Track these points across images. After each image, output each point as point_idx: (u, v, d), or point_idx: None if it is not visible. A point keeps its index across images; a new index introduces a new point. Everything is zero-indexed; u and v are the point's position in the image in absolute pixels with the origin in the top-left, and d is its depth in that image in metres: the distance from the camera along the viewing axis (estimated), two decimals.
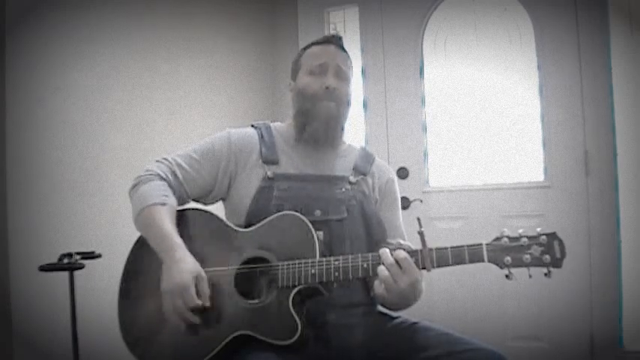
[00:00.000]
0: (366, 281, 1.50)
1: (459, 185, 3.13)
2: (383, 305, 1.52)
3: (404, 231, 1.64)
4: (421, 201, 3.13)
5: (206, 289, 1.36)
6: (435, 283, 2.85)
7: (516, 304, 2.89)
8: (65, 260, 1.85)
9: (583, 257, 2.77)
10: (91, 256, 1.93)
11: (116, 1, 2.56)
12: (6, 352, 2.09)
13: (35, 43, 2.24)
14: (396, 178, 1.70)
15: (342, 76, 1.59)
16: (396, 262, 1.30)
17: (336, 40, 1.62)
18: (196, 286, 1.34)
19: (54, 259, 1.87)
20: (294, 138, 1.59)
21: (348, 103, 1.61)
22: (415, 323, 1.48)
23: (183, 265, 1.35)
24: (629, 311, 2.78)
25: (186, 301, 1.33)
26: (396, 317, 1.51)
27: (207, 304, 1.35)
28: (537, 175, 3.00)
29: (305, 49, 1.65)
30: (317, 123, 1.54)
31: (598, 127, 2.83)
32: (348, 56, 1.64)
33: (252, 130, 1.61)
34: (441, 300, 3.00)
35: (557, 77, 2.92)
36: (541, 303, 2.84)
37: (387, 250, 1.32)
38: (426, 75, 3.22)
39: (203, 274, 1.36)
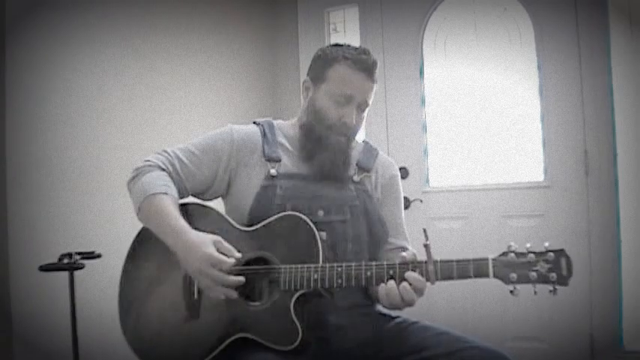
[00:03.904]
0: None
1: (459, 185, 3.13)
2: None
3: (405, 229, 1.63)
4: (421, 201, 3.13)
5: (229, 246, 1.35)
6: (436, 283, 2.84)
7: (516, 305, 2.88)
8: (65, 260, 1.85)
9: (583, 257, 2.77)
10: (91, 256, 1.93)
11: (116, 2, 2.56)
12: (6, 352, 2.09)
13: (35, 43, 2.24)
14: (399, 174, 1.66)
15: (363, 109, 1.54)
16: (401, 296, 1.30)
17: (372, 69, 1.51)
18: (218, 250, 1.34)
19: (54, 259, 1.87)
20: (300, 157, 1.55)
21: (358, 131, 1.58)
22: (415, 323, 1.48)
23: (197, 241, 1.34)
24: (629, 311, 2.78)
25: (221, 268, 1.31)
26: (396, 317, 1.51)
27: (238, 255, 1.35)
28: (537, 175, 3.00)
29: (336, 60, 1.51)
30: (325, 155, 1.50)
31: (598, 127, 2.83)
32: (376, 84, 1.54)
33: (254, 128, 1.59)
34: (441, 300, 3.00)
35: (557, 77, 2.92)
36: (541, 303, 2.83)
37: (392, 286, 1.31)
38: (426, 75, 3.22)
39: (217, 237, 1.36)
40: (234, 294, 1.34)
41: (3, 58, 2.13)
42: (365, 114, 1.57)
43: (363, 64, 1.50)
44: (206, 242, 1.34)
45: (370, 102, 1.55)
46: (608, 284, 2.78)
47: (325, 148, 1.51)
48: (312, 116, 1.53)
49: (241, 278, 1.33)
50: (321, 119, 1.51)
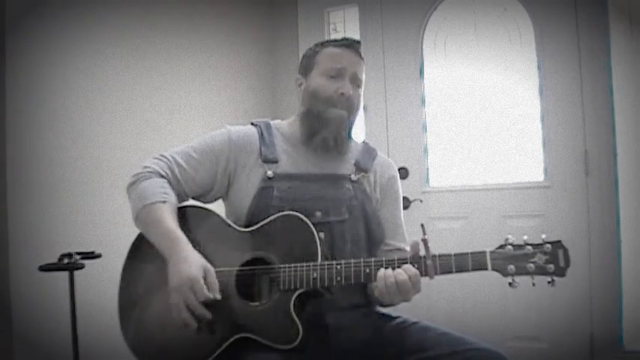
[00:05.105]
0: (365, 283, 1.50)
1: (459, 185, 3.13)
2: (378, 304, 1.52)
3: (405, 231, 1.64)
4: (421, 201, 3.13)
5: (215, 282, 1.34)
6: (436, 282, 2.84)
7: (516, 304, 2.89)
8: (65, 260, 1.85)
9: (583, 257, 2.77)
10: (91, 256, 1.93)
11: (116, 2, 2.56)
12: (6, 352, 2.09)
13: (35, 43, 2.24)
14: (397, 175, 1.67)
15: (357, 84, 1.57)
16: (396, 283, 1.30)
17: (356, 46, 1.58)
18: (205, 279, 1.33)
19: (54, 259, 1.86)
20: (301, 141, 1.57)
21: (357, 110, 1.59)
22: (415, 323, 1.48)
23: (190, 260, 1.35)
24: (629, 311, 2.78)
25: (197, 295, 1.31)
26: (396, 317, 1.51)
27: (218, 296, 1.34)
28: (537, 175, 3.00)
29: (322, 46, 1.60)
30: (327, 131, 1.52)
31: (598, 127, 2.83)
32: (364, 62, 1.61)
33: (252, 129, 1.59)
34: (442, 300, 3.00)
35: (557, 77, 2.92)
36: (541, 303, 2.84)
37: (389, 272, 1.31)
38: (426, 75, 3.22)
39: (210, 267, 1.36)
40: (193, 325, 1.33)
41: (3, 58, 2.13)
42: (361, 92, 1.60)
43: (346, 41, 1.59)
44: (196, 265, 1.34)
45: (362, 78, 1.60)
46: (608, 284, 2.78)
47: (326, 123, 1.52)
48: (309, 99, 1.56)
49: (208, 314, 1.33)
50: (317, 96, 1.54)
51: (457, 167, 3.15)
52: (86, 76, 2.42)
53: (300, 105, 1.60)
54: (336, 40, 1.61)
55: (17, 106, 2.18)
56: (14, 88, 2.17)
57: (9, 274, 2.11)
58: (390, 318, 1.51)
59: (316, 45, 1.62)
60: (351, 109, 1.55)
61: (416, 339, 1.42)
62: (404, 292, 1.31)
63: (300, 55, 1.68)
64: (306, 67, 1.60)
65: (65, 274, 1.86)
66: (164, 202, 1.43)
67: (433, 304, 2.96)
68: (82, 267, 1.88)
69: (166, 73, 2.78)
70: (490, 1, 3.08)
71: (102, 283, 1.95)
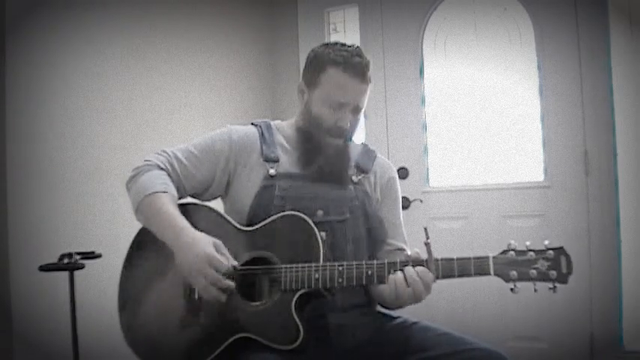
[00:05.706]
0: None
1: (459, 185, 3.13)
2: (380, 304, 1.52)
3: (404, 231, 1.64)
4: (421, 201, 3.13)
5: (227, 253, 1.36)
6: (436, 283, 2.84)
7: (516, 305, 2.89)
8: (65, 260, 1.85)
9: (583, 257, 2.77)
10: (91, 256, 1.93)
11: (116, 2, 2.56)
12: (6, 352, 2.09)
13: (35, 43, 2.24)
14: (397, 176, 1.67)
15: (358, 111, 1.54)
16: (405, 280, 1.30)
17: (364, 71, 1.49)
18: (217, 252, 1.34)
19: (54, 259, 1.87)
20: (298, 156, 1.55)
21: (355, 129, 1.57)
22: (415, 323, 1.48)
23: (198, 240, 1.35)
24: (629, 311, 2.78)
25: (217, 267, 1.31)
26: (396, 317, 1.51)
27: (235, 262, 1.35)
28: (537, 175, 3.00)
29: (328, 60, 1.49)
30: (324, 159, 1.51)
31: (598, 127, 2.83)
32: (370, 81, 1.52)
33: (252, 129, 1.59)
34: (442, 300, 3.00)
35: (557, 77, 2.92)
36: (541, 303, 2.83)
37: (400, 275, 1.32)
38: (426, 75, 3.22)
39: (217, 240, 1.37)
40: (223, 297, 1.34)
41: (3, 58, 2.13)
42: (360, 115, 1.57)
43: (355, 68, 1.48)
44: (206, 242, 1.35)
45: (364, 105, 1.55)
46: (608, 284, 2.78)
47: (324, 152, 1.52)
48: (309, 121, 1.54)
49: (232, 284, 1.33)
50: (317, 124, 1.52)
51: (457, 167, 3.15)
52: (86, 76, 2.42)
53: (300, 116, 1.58)
54: (344, 59, 1.48)
55: (17, 106, 2.18)
56: (14, 88, 2.17)
57: (9, 274, 2.11)
58: (390, 318, 1.52)
59: (323, 54, 1.52)
60: (347, 137, 1.55)
61: (416, 339, 1.42)
62: (416, 292, 1.31)
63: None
64: (310, 80, 1.54)
65: (65, 274, 1.86)
66: (165, 192, 1.43)
67: (433, 304, 2.94)
68: (82, 267, 1.88)
69: (166, 73, 2.78)
70: (490, 1, 3.08)
71: (102, 283, 1.95)
